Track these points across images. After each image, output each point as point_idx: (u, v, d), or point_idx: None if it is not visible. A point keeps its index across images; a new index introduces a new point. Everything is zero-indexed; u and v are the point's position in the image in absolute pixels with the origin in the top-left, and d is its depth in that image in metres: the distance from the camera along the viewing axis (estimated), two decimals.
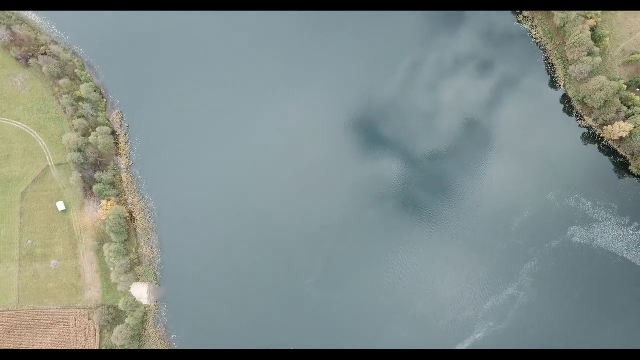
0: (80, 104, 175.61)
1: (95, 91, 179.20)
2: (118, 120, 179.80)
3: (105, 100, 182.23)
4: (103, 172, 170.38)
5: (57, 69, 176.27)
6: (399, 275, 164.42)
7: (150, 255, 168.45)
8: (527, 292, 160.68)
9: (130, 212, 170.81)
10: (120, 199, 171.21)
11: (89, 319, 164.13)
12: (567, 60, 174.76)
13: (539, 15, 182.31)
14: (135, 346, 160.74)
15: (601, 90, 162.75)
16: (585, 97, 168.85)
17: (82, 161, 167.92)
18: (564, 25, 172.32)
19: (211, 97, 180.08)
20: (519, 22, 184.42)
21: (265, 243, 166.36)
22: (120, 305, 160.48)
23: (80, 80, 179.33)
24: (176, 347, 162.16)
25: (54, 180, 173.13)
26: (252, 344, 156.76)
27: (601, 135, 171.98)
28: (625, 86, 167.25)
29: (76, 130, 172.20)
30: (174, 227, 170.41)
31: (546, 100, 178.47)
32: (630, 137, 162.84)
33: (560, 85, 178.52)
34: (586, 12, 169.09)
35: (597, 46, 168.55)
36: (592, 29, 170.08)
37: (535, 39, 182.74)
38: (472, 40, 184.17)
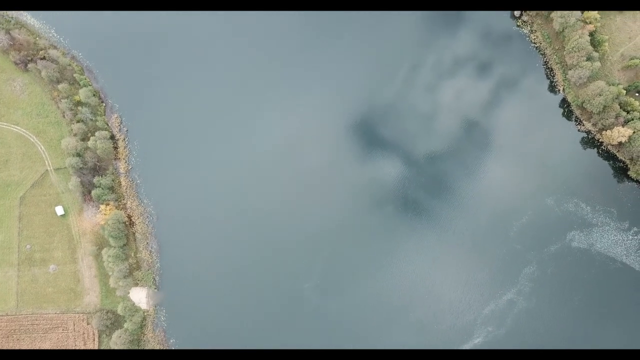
0: (79, 108, 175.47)
1: (94, 95, 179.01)
2: (117, 125, 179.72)
3: (104, 104, 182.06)
4: (102, 176, 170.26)
5: (56, 73, 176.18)
6: (398, 279, 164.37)
7: (149, 260, 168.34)
8: (526, 297, 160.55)
9: (129, 217, 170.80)
10: (119, 203, 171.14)
11: (87, 324, 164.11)
12: (566, 64, 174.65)
13: (538, 19, 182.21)
14: None
15: (600, 95, 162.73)
16: (584, 101, 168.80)
17: (81, 165, 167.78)
18: (562, 30, 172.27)
19: (210, 101, 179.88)
20: (518, 26, 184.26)
21: (263, 250, 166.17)
22: (119, 309, 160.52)
23: (79, 85, 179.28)
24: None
25: (52, 185, 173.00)
26: (251, 347, 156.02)
27: (600, 140, 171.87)
28: (624, 91, 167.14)
29: (75, 135, 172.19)
30: (172, 232, 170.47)
31: (545, 104, 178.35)
32: (629, 141, 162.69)
33: (559, 90, 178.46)
34: (585, 16, 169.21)
35: (596, 51, 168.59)
36: (591, 34, 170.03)
37: (535, 43, 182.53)
38: (472, 45, 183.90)
